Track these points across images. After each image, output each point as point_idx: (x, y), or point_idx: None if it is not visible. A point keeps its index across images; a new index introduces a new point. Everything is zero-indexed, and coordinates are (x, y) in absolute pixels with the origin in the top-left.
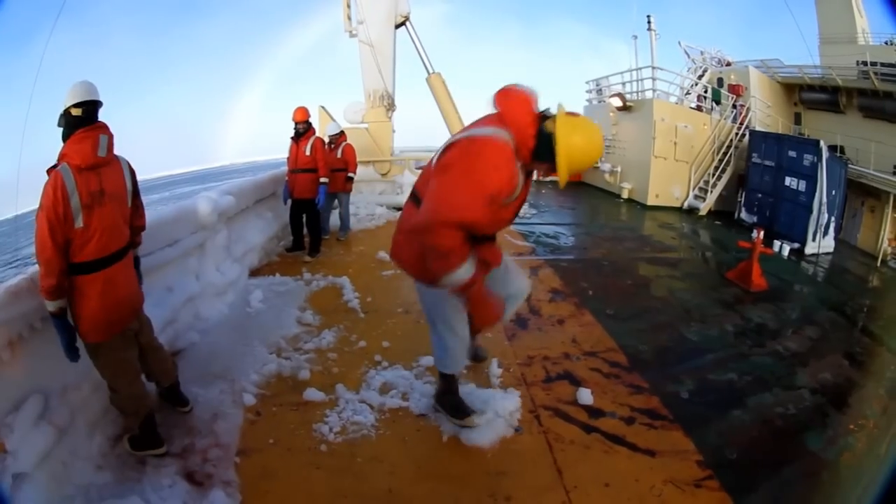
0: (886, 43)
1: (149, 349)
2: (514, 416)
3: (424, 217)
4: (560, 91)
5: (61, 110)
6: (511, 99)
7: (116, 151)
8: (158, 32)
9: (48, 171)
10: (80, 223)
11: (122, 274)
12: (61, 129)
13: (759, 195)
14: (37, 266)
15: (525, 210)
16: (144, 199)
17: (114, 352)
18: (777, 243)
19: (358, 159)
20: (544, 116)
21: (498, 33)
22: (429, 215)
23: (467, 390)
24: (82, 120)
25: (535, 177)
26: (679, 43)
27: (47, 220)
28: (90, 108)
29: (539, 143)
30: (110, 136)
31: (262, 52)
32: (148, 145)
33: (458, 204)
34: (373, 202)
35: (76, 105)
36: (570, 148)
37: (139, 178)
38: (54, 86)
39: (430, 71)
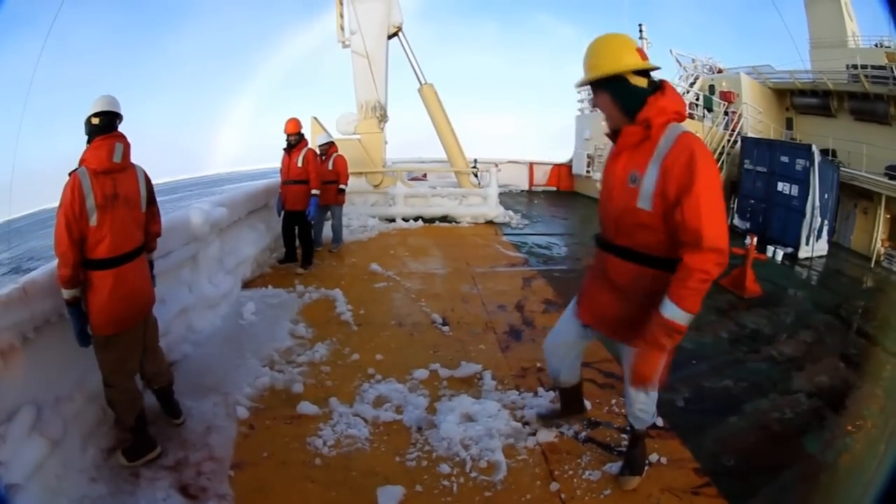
0: (876, 45)
1: (149, 350)
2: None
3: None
4: (545, 94)
5: (85, 119)
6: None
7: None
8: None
9: (69, 174)
10: (94, 221)
11: (133, 273)
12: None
13: (752, 201)
14: (29, 275)
15: (517, 220)
16: None
17: (119, 348)
18: (770, 248)
19: (350, 171)
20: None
21: (473, 33)
22: (714, 244)
23: (461, 402)
24: (100, 129)
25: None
26: (670, 51)
27: (65, 217)
28: (108, 118)
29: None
30: (126, 145)
31: (253, 62)
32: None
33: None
34: (365, 214)
35: (96, 115)
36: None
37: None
38: (31, 97)
39: (423, 81)
